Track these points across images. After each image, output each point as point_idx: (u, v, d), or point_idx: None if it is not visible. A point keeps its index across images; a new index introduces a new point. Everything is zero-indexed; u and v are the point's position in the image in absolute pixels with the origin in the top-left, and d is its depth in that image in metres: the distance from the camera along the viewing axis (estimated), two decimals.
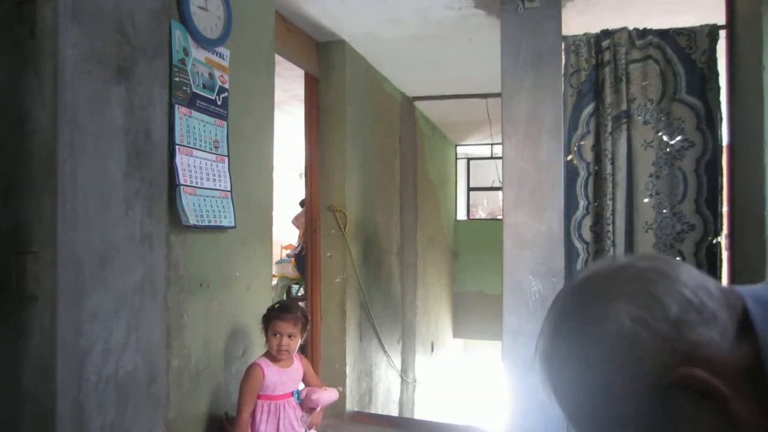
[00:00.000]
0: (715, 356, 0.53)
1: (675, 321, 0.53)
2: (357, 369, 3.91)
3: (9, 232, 1.40)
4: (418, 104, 5.47)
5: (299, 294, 5.39)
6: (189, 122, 1.94)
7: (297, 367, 2.10)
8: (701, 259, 2.60)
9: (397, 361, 4.86)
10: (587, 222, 2.71)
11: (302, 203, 5.05)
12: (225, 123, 2.14)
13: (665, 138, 2.64)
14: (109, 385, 1.50)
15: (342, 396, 3.68)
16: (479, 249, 7.42)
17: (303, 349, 3.78)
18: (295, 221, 5.48)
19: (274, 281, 5.33)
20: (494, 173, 7.42)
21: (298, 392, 2.09)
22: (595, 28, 2.71)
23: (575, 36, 2.71)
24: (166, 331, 1.81)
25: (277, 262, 5.66)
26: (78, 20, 1.41)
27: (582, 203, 2.70)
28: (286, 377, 2.04)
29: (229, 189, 2.14)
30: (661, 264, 0.58)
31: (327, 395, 2.12)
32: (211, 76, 2.07)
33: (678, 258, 2.63)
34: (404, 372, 5.05)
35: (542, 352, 0.63)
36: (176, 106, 1.88)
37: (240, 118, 2.25)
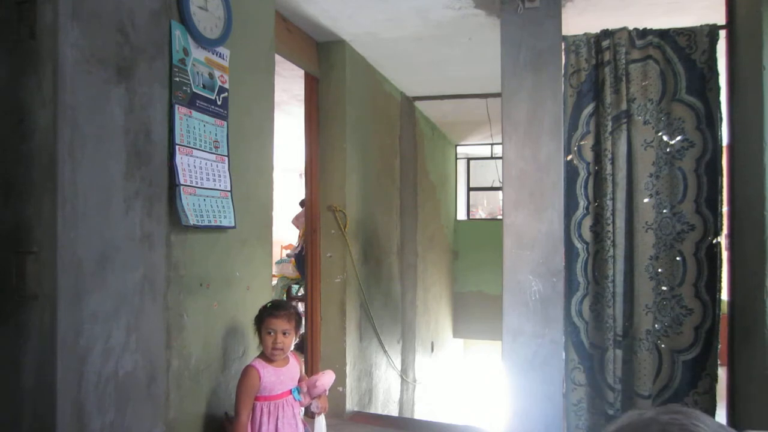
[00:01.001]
0: None
1: None
2: (357, 369, 3.91)
3: (9, 232, 1.40)
4: (418, 104, 5.47)
5: (299, 294, 5.38)
6: (189, 122, 1.94)
7: (293, 365, 2.10)
8: (701, 259, 2.60)
9: (397, 361, 4.86)
10: (587, 222, 2.71)
11: (302, 203, 5.05)
12: (225, 123, 2.14)
13: (665, 138, 2.64)
14: (109, 385, 1.50)
15: (342, 396, 3.68)
16: (479, 249, 7.43)
17: (301, 349, 3.78)
18: (295, 221, 5.47)
19: (274, 281, 5.33)
20: (494, 173, 7.42)
21: (298, 389, 2.09)
22: (595, 28, 2.71)
23: (575, 36, 2.71)
24: (166, 331, 1.81)
25: (277, 262, 5.66)
26: (78, 20, 1.41)
27: (582, 203, 2.70)
28: (283, 376, 2.03)
29: (229, 189, 2.14)
30: (683, 418, 0.62)
31: (328, 378, 2.16)
32: (211, 76, 2.07)
33: (678, 258, 2.63)
34: (404, 372, 5.05)
35: None
36: (176, 106, 1.88)
37: (240, 118, 2.25)
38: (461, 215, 8.58)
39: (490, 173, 7.95)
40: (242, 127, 2.28)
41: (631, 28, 2.65)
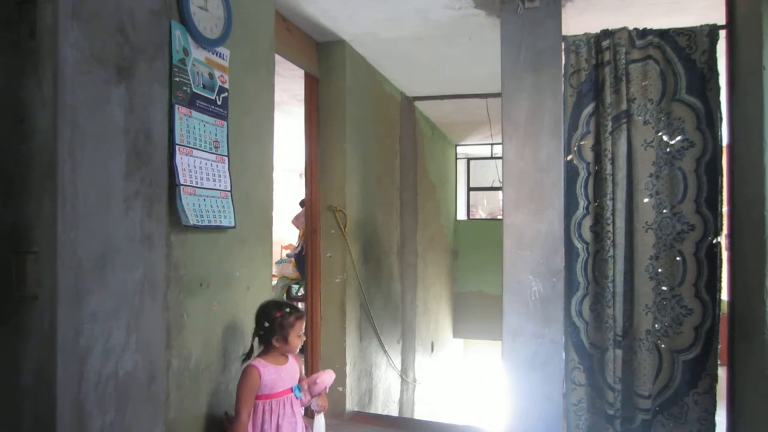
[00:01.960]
0: None
1: None
2: (357, 369, 3.91)
3: (9, 232, 1.40)
4: (418, 104, 5.47)
5: (299, 294, 5.39)
6: (189, 122, 1.94)
7: (293, 363, 2.11)
8: (701, 259, 2.60)
9: (397, 361, 4.86)
10: (587, 222, 2.71)
11: (302, 203, 5.05)
12: (225, 123, 2.14)
13: (665, 138, 2.64)
14: (109, 385, 1.50)
15: (342, 396, 3.68)
16: (479, 249, 7.43)
17: (301, 349, 3.78)
18: (295, 221, 5.48)
19: (274, 281, 5.33)
20: (494, 173, 7.42)
21: (299, 387, 2.10)
22: (595, 28, 2.71)
23: (575, 36, 2.71)
24: (166, 331, 1.81)
25: (277, 262, 5.67)
26: (78, 20, 1.41)
27: (582, 203, 2.70)
28: (284, 374, 2.04)
29: (229, 189, 2.14)
30: None
31: (328, 377, 2.19)
32: (211, 76, 2.07)
33: (678, 258, 2.63)
34: (404, 372, 5.05)
35: None
36: (176, 106, 1.88)
37: (240, 118, 2.25)
38: (461, 215, 8.58)
39: (490, 173, 7.95)
40: (242, 127, 2.28)
41: (631, 28, 2.65)
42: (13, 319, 1.39)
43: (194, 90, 1.97)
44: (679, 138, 2.63)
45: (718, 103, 2.58)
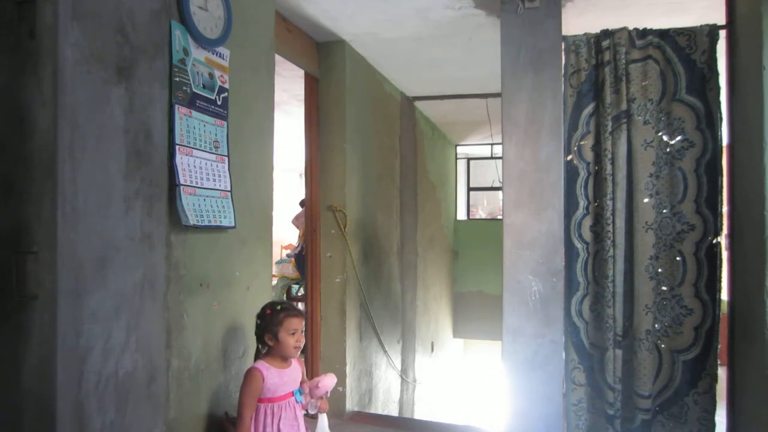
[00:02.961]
0: None
1: None
2: (357, 369, 3.91)
3: (9, 232, 1.40)
4: (418, 104, 5.47)
5: (299, 294, 5.38)
6: (189, 122, 1.94)
7: (296, 367, 2.10)
8: (701, 259, 2.60)
9: (397, 361, 4.86)
10: (587, 222, 2.71)
11: (302, 203, 5.05)
12: (225, 123, 2.14)
13: (665, 138, 2.64)
14: (109, 385, 1.50)
15: (342, 396, 3.68)
16: (479, 249, 7.43)
17: (301, 349, 3.78)
18: (295, 221, 5.48)
19: (274, 281, 5.33)
20: (494, 173, 7.42)
21: (300, 391, 2.09)
22: (595, 28, 2.71)
23: (575, 36, 2.71)
24: (166, 331, 1.81)
25: (277, 262, 5.66)
26: (78, 20, 1.41)
27: (582, 203, 2.70)
28: (286, 378, 2.03)
29: (229, 189, 2.14)
30: None
31: (329, 380, 2.17)
32: (211, 76, 2.07)
33: (678, 258, 2.63)
34: (404, 372, 5.05)
35: None
36: (176, 106, 1.88)
37: (240, 118, 2.25)
38: (461, 215, 8.58)
39: (490, 173, 7.95)
40: (242, 127, 2.28)
41: (631, 28, 2.65)
42: (13, 319, 1.39)
43: (194, 90, 1.97)
44: (679, 138, 2.63)
45: (718, 103, 2.58)
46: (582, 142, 2.71)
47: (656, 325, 2.65)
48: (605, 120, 2.64)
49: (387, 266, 4.60)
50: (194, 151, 1.96)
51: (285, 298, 5.27)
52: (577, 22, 3.22)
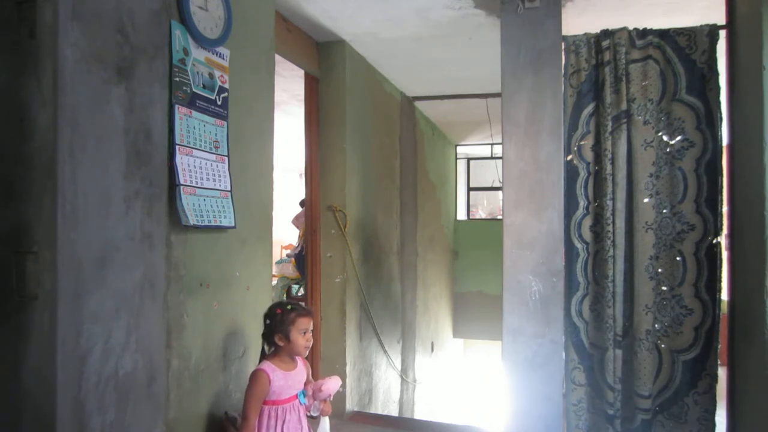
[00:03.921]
0: None
1: None
2: (357, 369, 3.91)
3: (9, 232, 1.40)
4: (418, 104, 5.47)
5: (299, 294, 5.38)
6: (189, 122, 1.94)
7: (301, 368, 2.09)
8: (701, 259, 2.60)
9: (397, 361, 4.86)
10: (587, 222, 2.71)
11: (302, 203, 5.05)
12: (225, 123, 2.14)
13: (665, 138, 2.64)
14: (109, 385, 1.50)
15: (342, 396, 3.68)
16: (479, 249, 7.43)
17: None
18: (295, 221, 5.47)
19: (274, 281, 5.33)
20: (494, 173, 7.42)
21: (304, 393, 2.09)
22: (595, 28, 2.71)
23: (575, 36, 2.71)
24: (166, 331, 1.81)
25: (277, 262, 5.66)
26: (78, 20, 1.41)
27: (582, 203, 2.70)
28: (292, 381, 2.02)
29: (229, 189, 2.14)
30: None
31: (333, 383, 2.16)
32: (211, 76, 2.07)
33: (678, 258, 2.63)
34: (404, 372, 5.05)
35: None
36: (176, 106, 1.88)
37: (240, 118, 2.25)
38: (461, 215, 8.58)
39: (490, 173, 7.95)
40: (242, 127, 2.28)
41: (631, 28, 2.65)
42: (13, 319, 1.39)
43: (194, 90, 1.97)
44: (679, 138, 2.63)
45: (718, 103, 2.58)
46: (582, 142, 2.71)
47: (656, 325, 2.65)
48: (605, 120, 2.64)
49: (387, 266, 4.60)
50: (194, 151, 1.96)
51: (285, 298, 5.27)
52: (577, 22, 3.22)
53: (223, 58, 2.14)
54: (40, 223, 1.37)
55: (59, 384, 1.35)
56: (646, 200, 2.63)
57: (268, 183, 2.50)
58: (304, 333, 2.01)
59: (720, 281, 2.59)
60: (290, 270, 5.34)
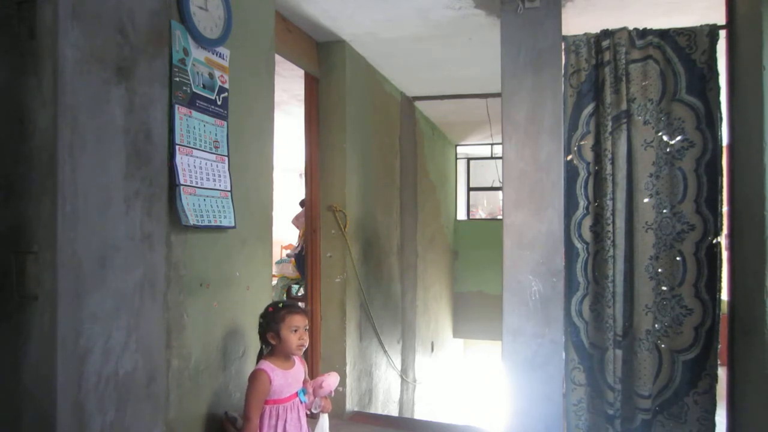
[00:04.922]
0: None
1: None
2: (357, 369, 3.91)
3: (9, 232, 1.40)
4: (418, 104, 5.47)
5: (299, 294, 5.38)
6: (189, 122, 1.94)
7: (299, 367, 2.09)
8: (701, 259, 2.60)
9: (397, 361, 4.86)
10: (587, 222, 2.71)
11: (302, 203, 5.05)
12: (225, 123, 2.14)
13: (665, 138, 2.64)
14: (109, 385, 1.50)
15: (342, 396, 3.68)
16: (479, 249, 7.43)
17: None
18: (295, 221, 5.47)
19: (274, 281, 5.33)
20: (494, 173, 7.42)
21: (304, 391, 2.09)
22: (595, 28, 2.71)
23: (575, 36, 2.71)
24: (166, 331, 1.81)
25: (277, 262, 5.66)
26: (78, 20, 1.41)
27: (582, 203, 2.70)
28: (291, 379, 2.02)
29: (229, 189, 2.14)
30: None
31: (333, 379, 2.16)
32: (211, 76, 2.07)
33: (678, 258, 2.63)
34: (404, 372, 5.05)
35: None
36: (176, 106, 1.88)
37: (240, 118, 2.25)
38: (461, 215, 8.58)
39: (490, 173, 7.95)
40: (242, 127, 2.28)
41: (631, 28, 2.65)
42: (13, 319, 1.39)
43: (194, 90, 1.97)
44: (679, 138, 2.63)
45: (718, 103, 2.58)
46: (582, 142, 2.71)
47: (656, 325, 2.65)
48: (605, 120, 2.64)
49: (387, 266, 4.60)
50: (194, 151, 1.96)
51: (285, 298, 5.27)
52: (577, 22, 3.22)
53: (223, 58, 2.14)
54: (40, 223, 1.37)
55: (59, 384, 1.35)
56: (646, 200, 2.63)
57: (268, 183, 2.50)
58: (295, 331, 1.99)
59: (720, 281, 2.59)
60: (290, 270, 5.34)
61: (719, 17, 2.65)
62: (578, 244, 2.71)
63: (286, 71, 4.03)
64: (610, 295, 2.61)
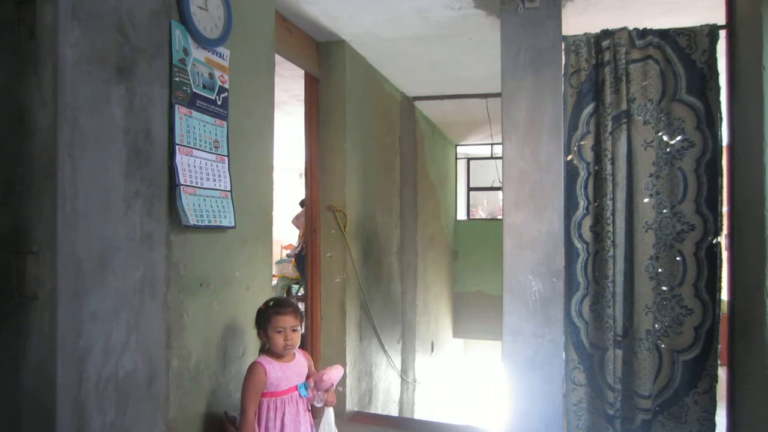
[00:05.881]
0: None
1: None
2: (357, 369, 3.91)
3: (9, 232, 1.40)
4: (418, 104, 5.47)
5: (299, 294, 5.39)
6: (189, 122, 1.94)
7: (300, 361, 2.09)
8: (701, 259, 2.60)
9: (397, 361, 4.86)
10: (587, 222, 2.71)
11: (302, 203, 5.05)
12: (225, 123, 2.14)
13: (665, 138, 2.64)
14: (109, 385, 1.50)
15: (342, 396, 3.68)
16: (479, 249, 7.43)
17: (302, 346, 3.78)
18: (295, 221, 5.48)
19: (274, 281, 5.33)
20: (494, 173, 7.42)
21: (305, 385, 2.08)
22: (595, 28, 2.71)
23: (575, 36, 2.71)
24: (166, 331, 1.81)
25: (277, 262, 5.67)
26: (78, 20, 1.41)
27: (582, 203, 2.70)
28: (289, 372, 2.02)
29: (229, 189, 2.14)
30: None
31: (336, 372, 2.14)
32: (211, 76, 2.07)
33: (678, 258, 2.63)
34: (404, 372, 5.05)
35: None
36: (176, 106, 1.88)
37: (240, 118, 2.25)
38: (461, 215, 8.58)
39: (490, 173, 7.95)
40: (242, 127, 2.28)
41: (631, 28, 2.65)
42: (13, 318, 1.39)
43: (194, 90, 1.97)
44: (679, 138, 2.63)
45: (718, 103, 2.58)
46: (582, 142, 2.71)
47: (656, 325, 2.65)
48: (605, 120, 2.64)
49: (387, 266, 4.60)
50: (194, 151, 1.96)
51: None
52: (577, 22, 3.22)
53: (223, 58, 2.14)
54: (40, 223, 1.37)
55: (59, 384, 1.35)
56: (646, 200, 2.63)
57: (268, 183, 2.50)
58: (281, 332, 1.97)
59: (720, 281, 2.59)
60: (290, 270, 5.35)
61: (719, 17, 2.65)
62: (578, 244, 2.71)
63: (286, 71, 4.03)
64: (610, 295, 2.62)
